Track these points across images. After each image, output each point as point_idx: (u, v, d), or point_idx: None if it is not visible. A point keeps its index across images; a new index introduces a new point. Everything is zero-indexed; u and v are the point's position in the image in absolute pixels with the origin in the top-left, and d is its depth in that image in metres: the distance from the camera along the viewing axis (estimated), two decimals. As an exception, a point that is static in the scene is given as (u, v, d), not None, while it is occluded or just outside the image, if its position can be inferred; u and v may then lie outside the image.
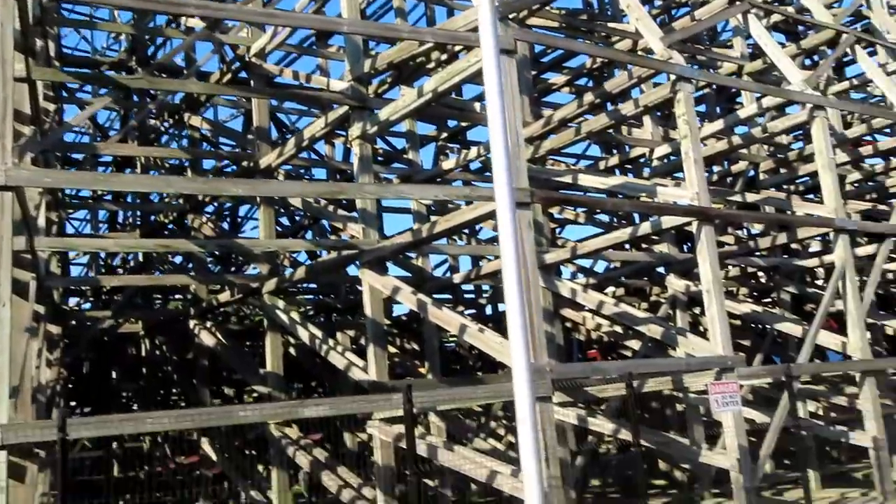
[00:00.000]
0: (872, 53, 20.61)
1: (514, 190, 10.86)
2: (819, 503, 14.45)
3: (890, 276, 22.33)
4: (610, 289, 21.73)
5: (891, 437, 16.43)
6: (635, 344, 18.07)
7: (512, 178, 3.18)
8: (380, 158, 21.53)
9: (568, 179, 15.94)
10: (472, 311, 23.07)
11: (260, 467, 18.22)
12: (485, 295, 23.35)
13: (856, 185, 21.90)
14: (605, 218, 23.19)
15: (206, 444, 16.38)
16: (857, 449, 16.05)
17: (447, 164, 18.75)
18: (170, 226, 19.80)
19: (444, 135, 20.97)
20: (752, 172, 20.69)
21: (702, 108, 22.53)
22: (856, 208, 20.12)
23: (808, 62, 22.59)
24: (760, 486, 15.86)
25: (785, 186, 21.21)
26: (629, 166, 20.15)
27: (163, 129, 20.58)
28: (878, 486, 13.99)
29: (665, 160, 17.96)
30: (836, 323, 17.39)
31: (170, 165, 20.83)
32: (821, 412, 19.31)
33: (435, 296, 17.45)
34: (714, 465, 13.54)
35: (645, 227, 14.56)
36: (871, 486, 14.86)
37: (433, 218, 15.58)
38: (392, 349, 22.07)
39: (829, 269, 17.08)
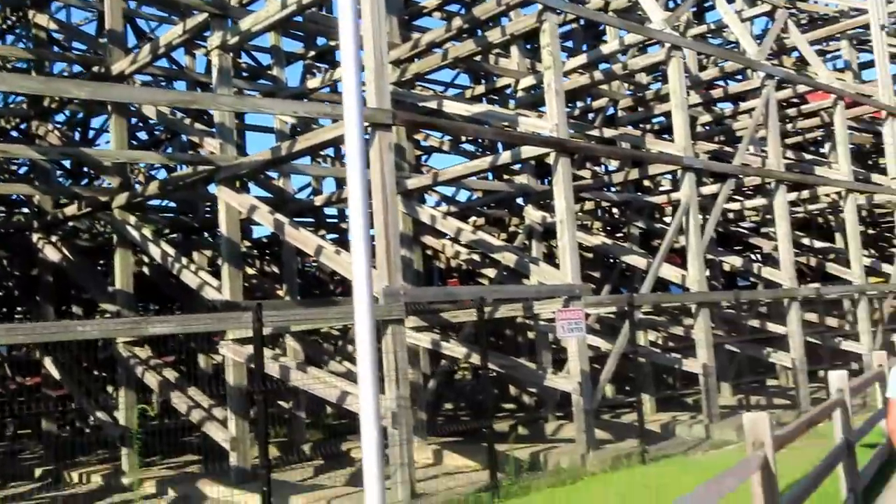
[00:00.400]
0: (731, 0, 21.41)
1: (375, 110, 10.81)
2: (651, 425, 15.38)
3: (731, 215, 23.73)
4: (472, 218, 22.08)
5: (720, 365, 17.65)
6: (493, 273, 18.51)
7: (360, 90, 3.13)
8: (244, 74, 20.81)
9: (433, 105, 15.92)
10: (335, 235, 22.94)
11: (110, 389, 17.73)
12: (348, 219, 23.21)
13: (707, 126, 22.96)
14: (470, 148, 23.43)
15: (49, 364, 15.71)
16: (690, 375, 17.14)
17: (313, 82, 18.30)
18: (13, 133, 18.52)
19: (312, 53, 20.42)
20: (611, 109, 21.30)
21: (569, 43, 22.92)
22: (705, 149, 21.15)
23: (671, 4, 23.25)
24: (600, 409, 16.77)
25: (641, 125, 21.98)
26: (495, 97, 20.33)
27: (5, 26, 19.03)
28: (705, 409, 15.03)
29: (531, 91, 18.18)
30: (680, 258, 18.37)
31: (12, 67, 19.36)
32: (660, 341, 20.48)
33: (297, 219, 17.21)
34: (558, 388, 14.16)
35: (505, 157, 14.78)
36: (699, 409, 15.96)
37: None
38: (252, 271, 21.74)
39: (676, 205, 17.91)
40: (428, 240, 17.96)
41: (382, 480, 2.94)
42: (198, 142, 15.19)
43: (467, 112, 15.19)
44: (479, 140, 22.45)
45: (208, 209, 20.00)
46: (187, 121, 16.02)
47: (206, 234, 20.45)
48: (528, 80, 17.78)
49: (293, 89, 18.34)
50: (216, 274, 14.66)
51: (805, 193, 21.88)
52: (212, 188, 15.92)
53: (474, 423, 15.94)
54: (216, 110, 13.11)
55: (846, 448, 8.25)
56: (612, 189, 21.00)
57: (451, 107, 15.65)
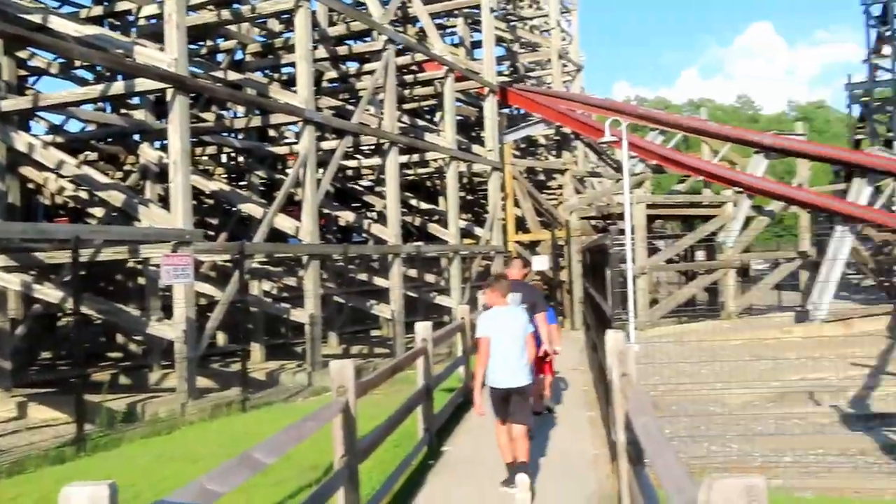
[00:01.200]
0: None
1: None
2: (259, 373, 15.56)
3: (350, 172, 24.65)
4: (85, 153, 20.33)
5: (329, 315, 18.35)
6: (102, 212, 17.26)
7: None
8: None
9: (38, 20, 14.25)
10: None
11: None
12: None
13: (334, 83, 23.47)
14: (89, 77, 21.45)
15: None
16: (302, 325, 17.57)
17: None
18: None
19: None
20: (240, 53, 20.82)
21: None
22: (329, 104, 21.63)
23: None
24: (210, 357, 16.60)
25: (270, 73, 21.81)
26: (118, 22, 18.81)
27: None
28: (309, 357, 15.52)
29: (156, 21, 17.09)
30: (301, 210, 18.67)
31: None
32: (276, 291, 20.71)
33: None
34: (163, 336, 13.71)
35: (117, 87, 13.80)
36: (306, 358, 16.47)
37: None
38: None
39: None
40: (29, 172, 16.21)
41: None
42: None
43: (78, 33, 13.80)
44: (99, 68, 20.65)
45: None
46: None
47: None
48: (151, 9, 16.71)
49: None
50: None
51: (416, 157, 23.42)
52: None
53: (69, 373, 14.86)
54: None
55: (426, 392, 9.03)
56: (241, 137, 20.63)
57: (59, 24, 14.11)
